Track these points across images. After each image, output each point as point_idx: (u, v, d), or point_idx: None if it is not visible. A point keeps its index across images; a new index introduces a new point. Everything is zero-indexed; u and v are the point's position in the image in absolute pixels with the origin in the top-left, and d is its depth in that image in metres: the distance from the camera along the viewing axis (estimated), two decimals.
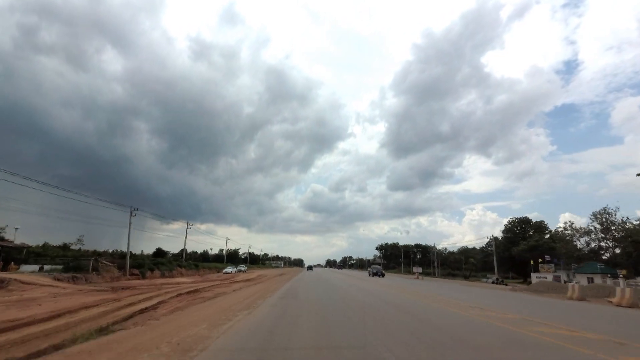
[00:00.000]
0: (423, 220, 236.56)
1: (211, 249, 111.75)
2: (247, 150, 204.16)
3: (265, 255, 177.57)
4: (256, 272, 58.35)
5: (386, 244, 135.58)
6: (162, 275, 42.13)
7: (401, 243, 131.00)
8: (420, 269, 42.77)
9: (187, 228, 52.65)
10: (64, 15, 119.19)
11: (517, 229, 67.73)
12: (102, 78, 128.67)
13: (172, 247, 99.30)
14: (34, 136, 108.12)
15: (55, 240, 50.32)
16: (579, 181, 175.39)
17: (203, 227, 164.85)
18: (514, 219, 70.52)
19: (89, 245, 52.38)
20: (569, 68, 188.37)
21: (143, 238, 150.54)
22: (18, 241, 44.34)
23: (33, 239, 47.76)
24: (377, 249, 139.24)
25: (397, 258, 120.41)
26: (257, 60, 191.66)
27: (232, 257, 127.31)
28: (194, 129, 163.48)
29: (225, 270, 50.81)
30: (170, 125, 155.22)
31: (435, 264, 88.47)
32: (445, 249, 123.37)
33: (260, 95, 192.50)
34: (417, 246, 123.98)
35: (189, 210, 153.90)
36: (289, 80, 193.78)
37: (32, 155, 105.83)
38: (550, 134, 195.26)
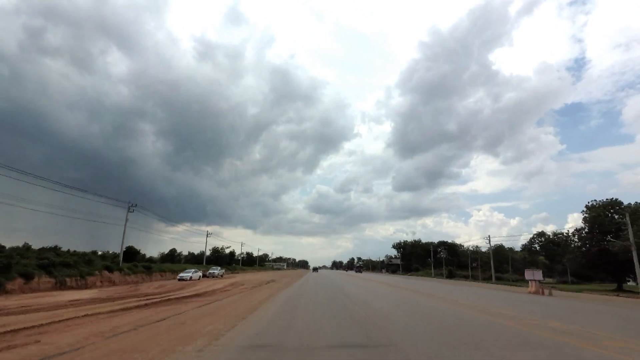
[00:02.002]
0: (429, 221, 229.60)
1: (210, 250, 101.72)
2: (252, 152, 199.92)
3: (266, 255, 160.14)
4: (235, 278, 40.30)
5: (405, 242, 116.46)
6: (59, 285, 24.27)
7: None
8: (540, 274, 23.22)
9: (128, 211, 34.65)
10: (69, 17, 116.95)
11: (604, 215, 48.43)
12: (107, 80, 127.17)
13: (180, 249, 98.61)
14: (40, 139, 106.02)
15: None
16: (589, 181, 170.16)
17: (209, 229, 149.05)
18: (595, 202, 51.27)
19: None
20: (577, 66, 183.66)
21: (149, 240, 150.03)
22: None
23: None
24: (393, 247, 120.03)
25: (419, 258, 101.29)
26: (261, 60, 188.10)
27: (228, 258, 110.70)
28: (198, 130, 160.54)
29: (180, 275, 32.81)
30: (175, 126, 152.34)
31: (482, 266, 69.51)
32: (477, 246, 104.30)
33: (265, 95, 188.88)
34: (442, 244, 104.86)
35: (194, 212, 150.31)
36: (294, 80, 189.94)
37: (38, 157, 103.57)
38: (559, 133, 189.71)
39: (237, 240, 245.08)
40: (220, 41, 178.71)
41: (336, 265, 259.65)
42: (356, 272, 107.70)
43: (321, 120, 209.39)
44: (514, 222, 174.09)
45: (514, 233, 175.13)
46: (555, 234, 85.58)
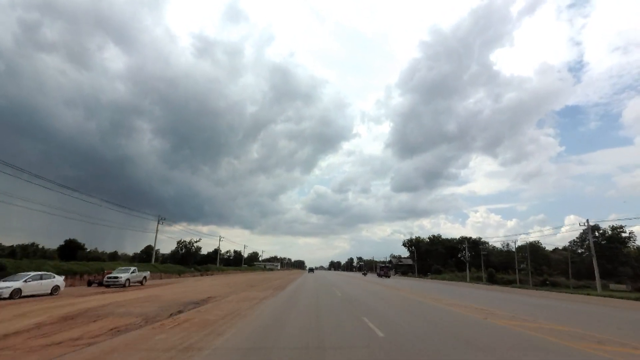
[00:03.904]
0: (426, 222, 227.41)
1: (199, 248, 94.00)
2: (250, 151, 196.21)
3: (255, 254, 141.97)
4: (158, 289, 21.22)
5: (417, 238, 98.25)
6: None
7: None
8: None
9: None
10: (66, 11, 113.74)
11: None
12: (104, 76, 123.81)
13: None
14: (36, 136, 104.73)
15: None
16: (587, 183, 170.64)
17: (205, 229, 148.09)
18: None
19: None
20: (575, 69, 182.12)
21: (146, 239, 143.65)
22: None
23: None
24: (404, 245, 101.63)
25: (439, 258, 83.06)
26: (261, 58, 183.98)
27: (199, 257, 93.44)
28: (196, 128, 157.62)
29: None
30: (172, 124, 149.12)
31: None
32: (507, 244, 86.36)
33: (264, 94, 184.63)
34: (465, 240, 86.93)
35: (191, 211, 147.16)
36: (294, 78, 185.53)
37: (35, 155, 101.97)
38: (559, 135, 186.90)
39: (235, 240, 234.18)
40: (219, 38, 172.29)
41: (334, 265, 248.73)
42: (380, 275, 66.46)
43: (320, 120, 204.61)
44: (511, 223, 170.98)
45: (510, 234, 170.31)
46: (614, 228, 68.10)
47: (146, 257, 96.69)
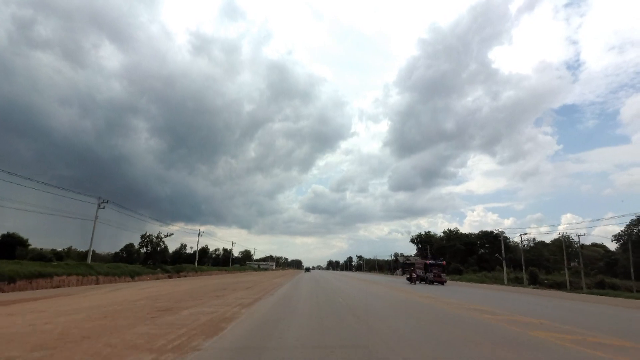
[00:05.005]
0: (423, 221, 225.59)
1: (191, 248, 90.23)
2: (247, 150, 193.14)
3: (247, 252, 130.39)
4: None
5: (427, 233, 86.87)
6: None
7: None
8: None
9: None
10: (60, 8, 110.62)
11: None
12: (99, 74, 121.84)
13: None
14: (31, 135, 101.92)
15: None
16: (584, 181, 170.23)
17: (203, 228, 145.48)
18: None
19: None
20: (572, 67, 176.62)
21: (138, 239, 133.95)
22: None
23: None
24: (412, 241, 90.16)
25: (456, 255, 71.67)
26: (258, 56, 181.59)
27: (169, 255, 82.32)
28: (193, 127, 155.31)
29: None
30: (169, 123, 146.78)
31: None
32: (534, 239, 75.18)
33: (261, 92, 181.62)
34: (484, 236, 75.73)
35: (188, 211, 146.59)
36: (291, 76, 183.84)
37: (29, 154, 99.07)
38: (556, 133, 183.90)
39: (229, 240, 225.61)
40: (217, 35, 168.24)
41: (332, 265, 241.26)
42: (428, 281, 36.25)
43: (318, 119, 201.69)
44: (508, 222, 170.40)
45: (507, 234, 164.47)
46: None
47: (127, 256, 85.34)
